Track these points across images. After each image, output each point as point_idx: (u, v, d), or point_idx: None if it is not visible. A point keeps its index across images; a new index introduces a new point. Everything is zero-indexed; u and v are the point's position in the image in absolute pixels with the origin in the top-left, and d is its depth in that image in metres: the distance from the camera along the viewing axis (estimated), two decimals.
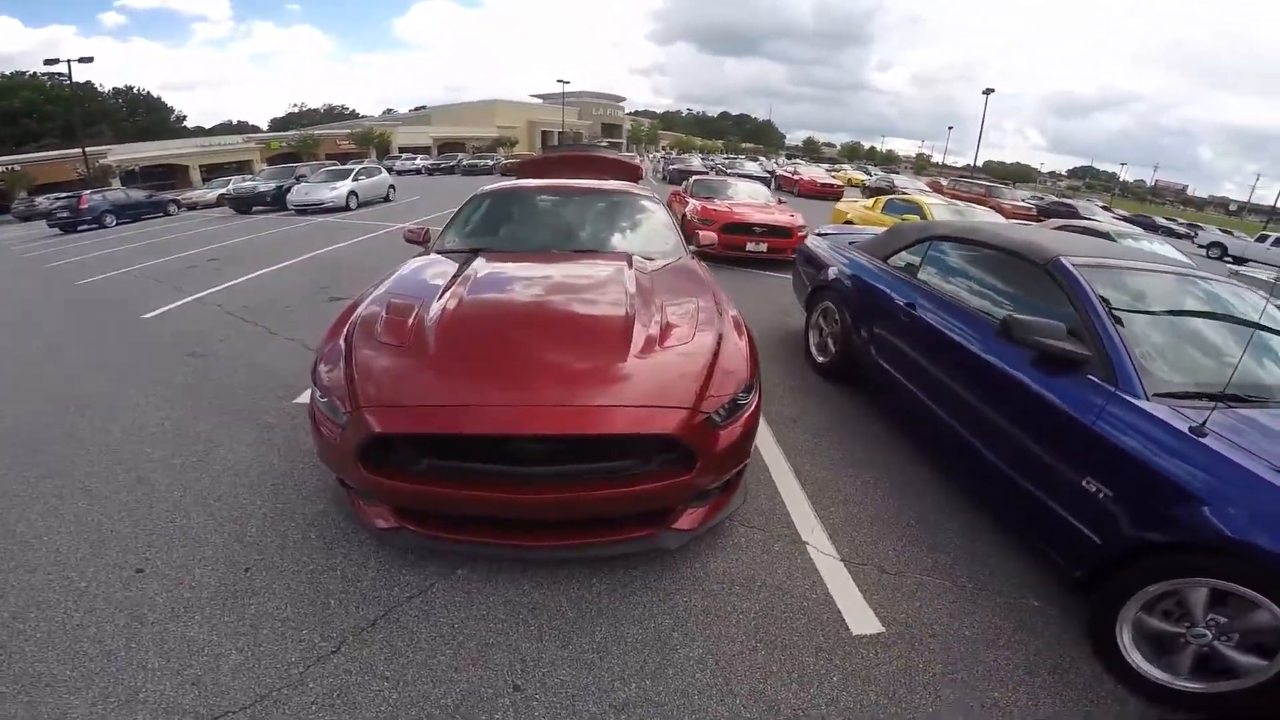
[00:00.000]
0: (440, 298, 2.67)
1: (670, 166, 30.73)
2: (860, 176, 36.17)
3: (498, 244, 3.72)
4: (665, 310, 2.65)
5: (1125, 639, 2.09)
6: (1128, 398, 2.21)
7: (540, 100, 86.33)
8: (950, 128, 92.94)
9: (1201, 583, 1.90)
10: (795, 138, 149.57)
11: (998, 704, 1.98)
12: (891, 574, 2.50)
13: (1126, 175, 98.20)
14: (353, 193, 16.84)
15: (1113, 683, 2.09)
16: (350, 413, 2.08)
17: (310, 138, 48.74)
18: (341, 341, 2.41)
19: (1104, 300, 2.52)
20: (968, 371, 2.91)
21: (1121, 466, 2.12)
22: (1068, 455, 2.31)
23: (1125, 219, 27.00)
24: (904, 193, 13.79)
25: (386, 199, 18.89)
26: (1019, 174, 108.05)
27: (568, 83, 60.88)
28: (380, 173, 19.32)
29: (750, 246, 8.57)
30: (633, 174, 6.09)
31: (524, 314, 2.65)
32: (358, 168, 18.38)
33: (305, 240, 11.23)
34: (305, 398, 3.47)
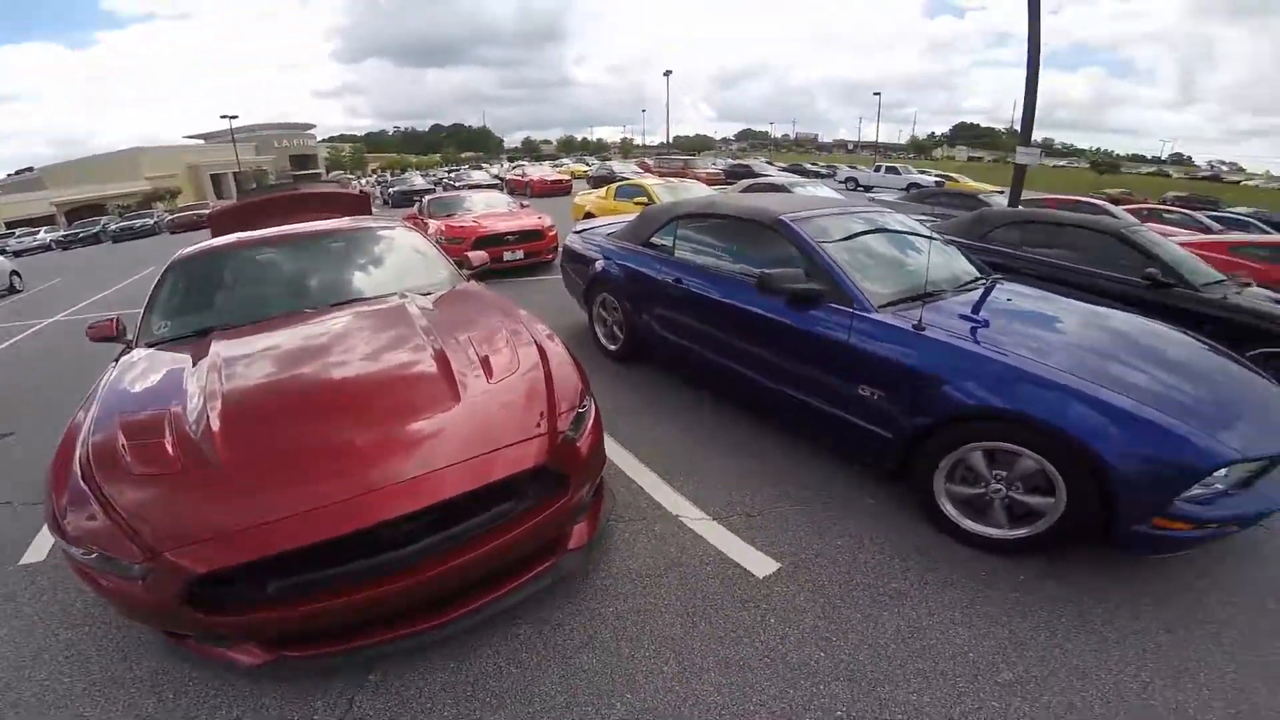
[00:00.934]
0: (192, 400, 2.21)
1: (391, 189, 28.80)
2: (582, 168, 38.04)
3: (229, 318, 3.05)
4: (474, 342, 2.52)
5: (951, 509, 2.62)
6: (862, 313, 2.87)
7: (202, 140, 72.97)
8: (644, 110, 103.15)
9: (973, 447, 2.49)
10: (513, 140, 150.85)
11: (899, 591, 2.38)
12: (756, 516, 2.84)
13: (775, 132, 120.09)
14: None
15: (963, 548, 2.57)
16: (147, 561, 1.72)
17: None
18: (82, 483, 1.93)
19: (820, 244, 3.19)
20: (743, 325, 3.45)
21: (878, 369, 2.73)
22: (839, 371, 2.89)
23: (785, 169, 33.12)
24: (625, 177, 15.11)
25: (11, 289, 14.36)
26: (701, 144, 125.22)
27: (235, 117, 52.29)
28: None
29: (507, 256, 8.54)
30: (362, 205, 5.47)
31: (316, 389, 2.29)
32: None
33: None
34: (35, 555, 2.85)
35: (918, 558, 2.57)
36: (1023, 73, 9.66)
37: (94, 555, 1.79)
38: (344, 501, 1.77)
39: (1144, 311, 4.34)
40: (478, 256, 4.12)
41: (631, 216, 5.28)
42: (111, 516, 1.80)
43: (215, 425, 2.03)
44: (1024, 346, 2.58)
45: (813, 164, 44.44)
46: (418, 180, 31.13)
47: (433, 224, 9.15)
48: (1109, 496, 2.22)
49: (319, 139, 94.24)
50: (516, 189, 25.31)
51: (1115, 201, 21.77)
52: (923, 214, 10.21)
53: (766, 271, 3.06)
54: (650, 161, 32.56)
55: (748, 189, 11.34)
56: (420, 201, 10.75)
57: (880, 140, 76.18)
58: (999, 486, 2.49)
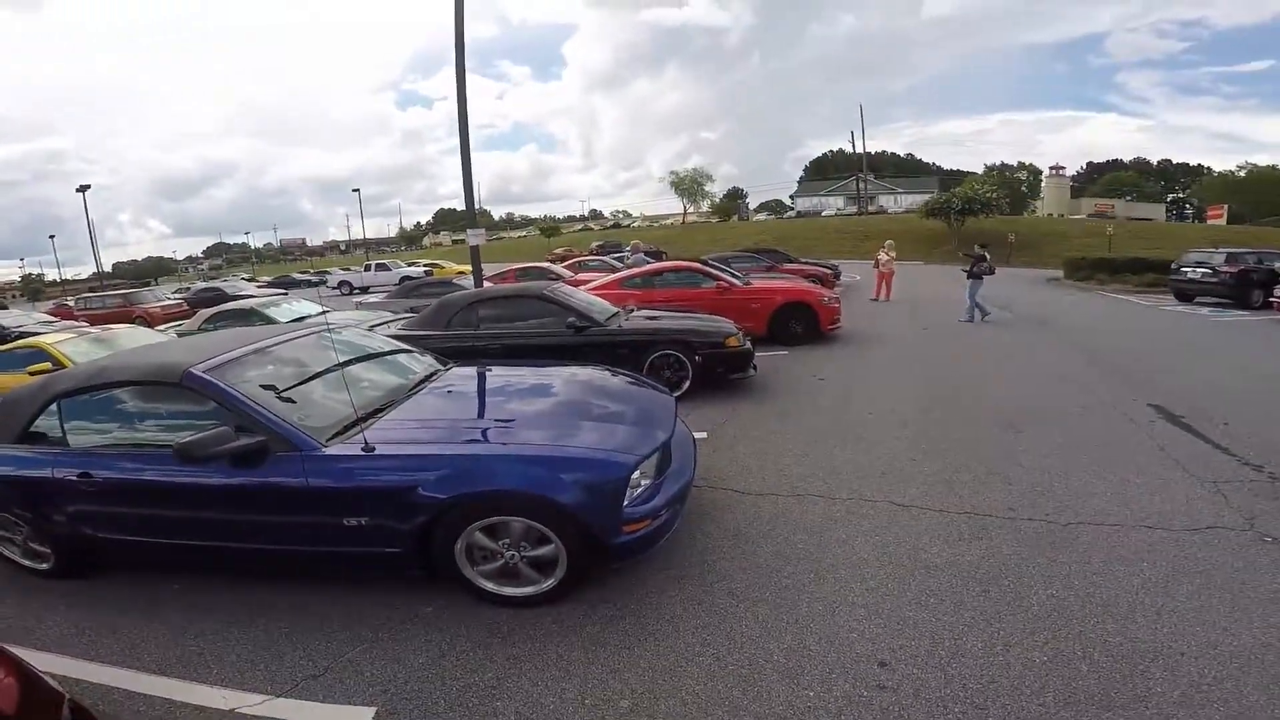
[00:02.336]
0: None
1: None
2: None
3: None
4: None
5: (490, 585, 2.81)
6: (312, 453, 2.77)
7: None
8: (53, 237, 77.50)
9: (471, 530, 2.70)
10: None
11: (494, 681, 2.44)
12: (323, 674, 2.56)
13: (255, 241, 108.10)
14: None
15: (525, 610, 2.78)
16: None
17: None
18: None
19: (244, 392, 2.93)
20: (194, 500, 2.93)
21: (350, 498, 2.72)
22: (318, 512, 2.76)
23: (271, 284, 30.27)
24: (16, 338, 10.93)
25: None
26: (157, 269, 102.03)
27: None
28: None
29: None
30: None
31: None
32: None
33: None
34: None
35: (495, 640, 2.68)
36: (486, 156, 11.23)
37: None
38: None
39: (579, 352, 5.67)
40: None
41: None
42: None
43: None
44: (464, 431, 2.96)
45: (302, 272, 42.02)
46: None
47: None
48: (583, 527, 2.65)
49: None
50: None
51: (562, 259, 27.95)
52: (412, 306, 10.95)
53: (184, 442, 2.63)
54: (72, 303, 24.51)
55: (208, 320, 9.77)
56: None
57: (370, 236, 77.51)
58: (512, 551, 2.78)
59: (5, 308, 35.43)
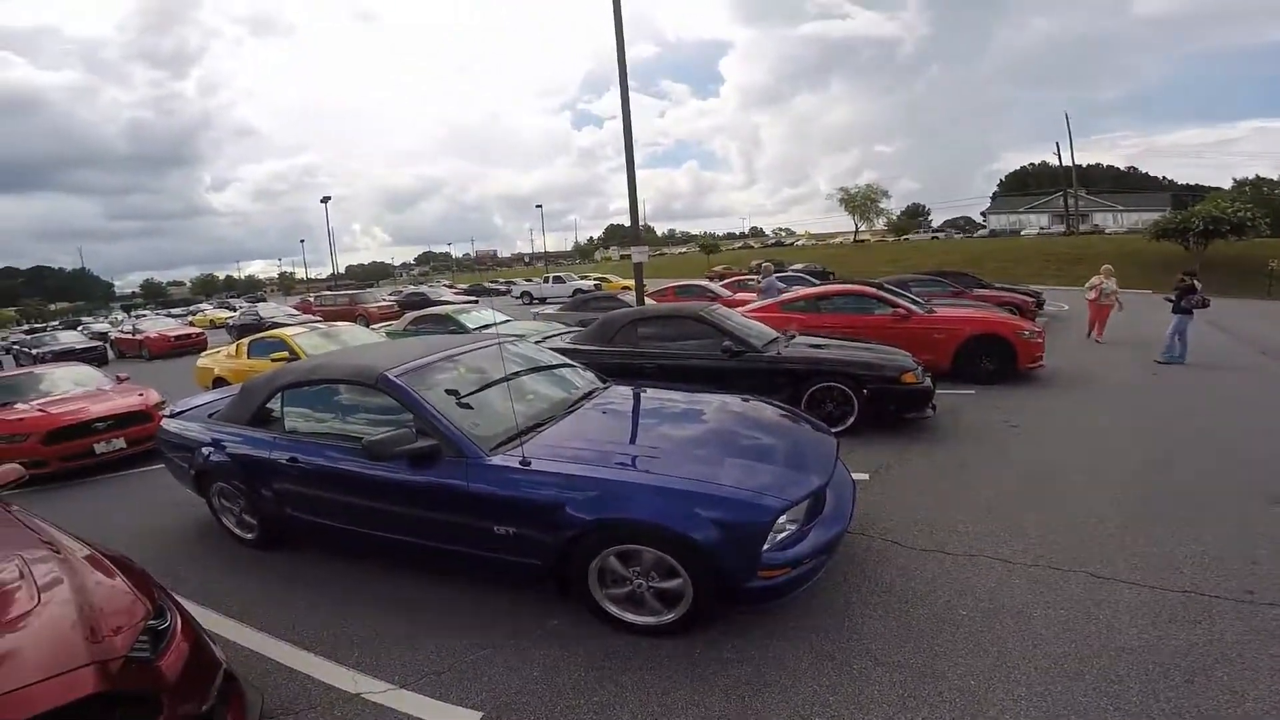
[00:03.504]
0: None
1: None
2: (223, 315, 32.86)
3: None
4: None
5: (614, 609, 2.81)
6: (476, 461, 2.93)
7: None
8: (303, 241, 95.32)
9: (607, 554, 2.73)
10: (129, 283, 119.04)
11: (603, 703, 2.44)
12: (445, 672, 2.70)
13: (455, 251, 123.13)
14: None
15: (644, 639, 2.75)
16: None
17: None
18: None
19: (426, 397, 3.21)
20: (370, 491, 3.25)
21: (504, 509, 2.85)
22: (472, 517, 2.92)
23: (467, 291, 34.20)
24: (279, 323, 13.51)
25: None
26: (378, 272, 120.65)
27: None
28: None
29: (101, 448, 6.69)
30: None
31: None
32: None
33: None
34: None
35: (609, 664, 2.66)
36: (649, 174, 11.54)
37: None
38: None
39: (733, 378, 5.49)
40: (3, 472, 3.33)
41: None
42: None
43: None
44: (614, 454, 2.98)
45: (492, 282, 46.76)
46: None
47: None
48: (715, 568, 2.56)
49: None
50: (128, 350, 20.23)
51: (721, 276, 27.74)
52: (582, 319, 11.48)
53: (372, 439, 2.95)
54: (313, 299, 29.72)
55: (412, 322, 11.18)
56: None
57: (549, 250, 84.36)
58: (641, 580, 2.73)
59: (264, 300, 43.80)
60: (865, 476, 4.46)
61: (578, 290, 27.52)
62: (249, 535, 4.10)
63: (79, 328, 31.46)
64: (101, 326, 31.59)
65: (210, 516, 4.34)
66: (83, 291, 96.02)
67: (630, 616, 2.80)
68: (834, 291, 9.55)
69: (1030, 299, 13.55)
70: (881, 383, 5.60)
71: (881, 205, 56.50)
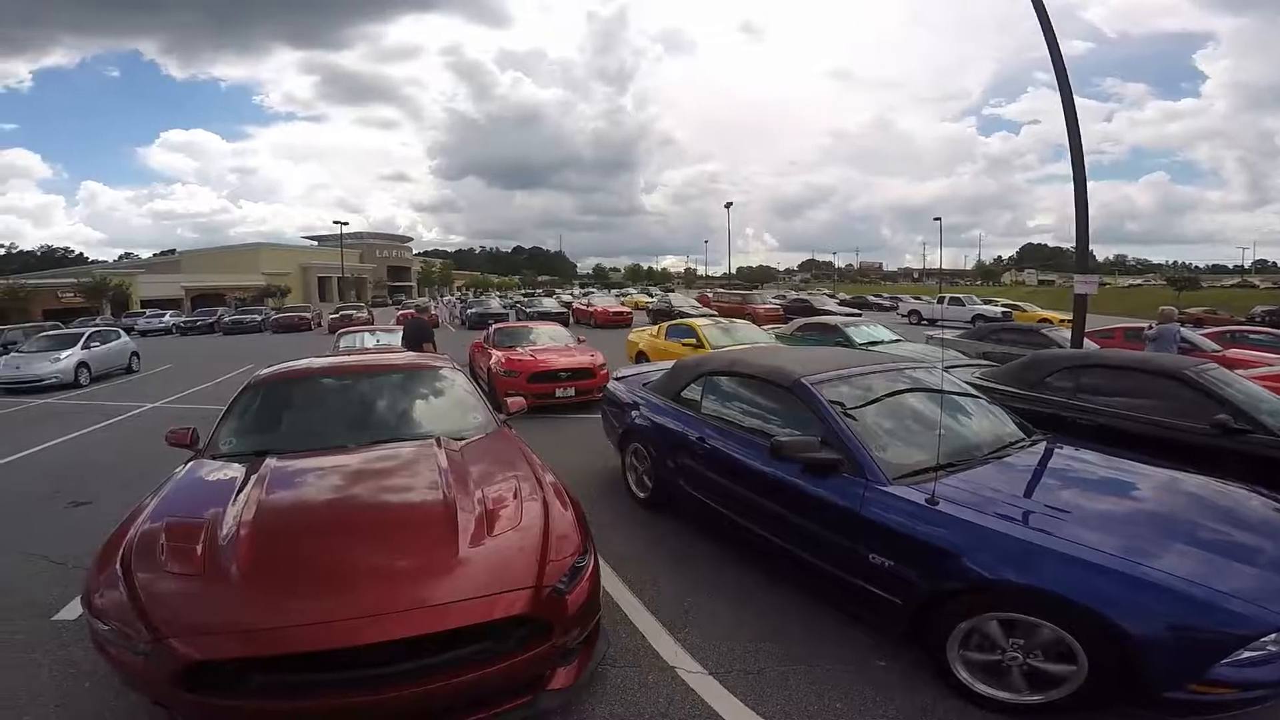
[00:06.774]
0: (231, 513, 2.54)
1: (469, 310, 29.92)
2: (645, 299, 39.44)
3: (285, 442, 3.38)
4: (486, 492, 2.73)
5: (964, 674, 2.50)
6: (876, 485, 2.82)
7: (315, 243, 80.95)
8: (706, 241, 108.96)
9: (988, 617, 2.40)
10: (585, 265, 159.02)
11: None
12: (755, 674, 2.74)
13: (838, 261, 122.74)
14: (83, 364, 13.19)
15: (975, 710, 2.46)
16: (152, 642, 2.00)
17: (20, 289, 37.22)
18: (119, 566, 2.30)
19: (841, 409, 3.20)
20: (759, 485, 3.42)
21: (889, 540, 2.68)
22: (850, 538, 2.83)
23: (847, 302, 33.56)
24: (684, 313, 15.79)
25: (129, 369, 15.08)
26: (764, 275, 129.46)
27: (346, 224, 56.41)
28: (119, 336, 15.73)
29: (559, 393, 8.68)
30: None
31: (337, 519, 2.64)
32: (89, 330, 14.76)
33: (22, 432, 8.77)
34: (68, 613, 3.23)
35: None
36: (1090, 187, 8.87)
37: (109, 629, 2.11)
38: (337, 621, 2.01)
39: (1215, 459, 4.00)
40: (515, 403, 4.27)
41: (671, 363, 5.52)
42: (134, 601, 2.12)
43: (242, 539, 2.35)
44: (1046, 518, 2.52)
45: (876, 295, 44.77)
46: (494, 304, 32.50)
47: (495, 354, 9.47)
48: (1136, 665, 2.14)
49: (414, 252, 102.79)
50: (581, 318, 26.53)
51: (1198, 322, 20.43)
52: (985, 351, 9.96)
53: (779, 440, 3.09)
54: (710, 294, 33.67)
55: (800, 329, 11.55)
56: (489, 329, 11.10)
57: (945, 266, 76.39)
58: (1016, 654, 2.37)
59: (673, 290, 51.34)
60: None
61: (979, 316, 24.11)
62: (642, 494, 4.84)
63: (553, 296, 43.78)
64: (567, 298, 42.18)
65: (617, 471, 5.26)
66: (558, 268, 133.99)
67: (981, 686, 2.46)
68: None
69: None
70: None
71: None
